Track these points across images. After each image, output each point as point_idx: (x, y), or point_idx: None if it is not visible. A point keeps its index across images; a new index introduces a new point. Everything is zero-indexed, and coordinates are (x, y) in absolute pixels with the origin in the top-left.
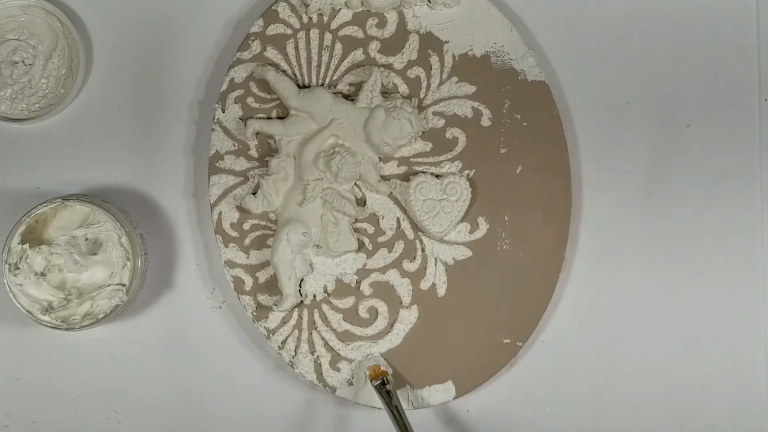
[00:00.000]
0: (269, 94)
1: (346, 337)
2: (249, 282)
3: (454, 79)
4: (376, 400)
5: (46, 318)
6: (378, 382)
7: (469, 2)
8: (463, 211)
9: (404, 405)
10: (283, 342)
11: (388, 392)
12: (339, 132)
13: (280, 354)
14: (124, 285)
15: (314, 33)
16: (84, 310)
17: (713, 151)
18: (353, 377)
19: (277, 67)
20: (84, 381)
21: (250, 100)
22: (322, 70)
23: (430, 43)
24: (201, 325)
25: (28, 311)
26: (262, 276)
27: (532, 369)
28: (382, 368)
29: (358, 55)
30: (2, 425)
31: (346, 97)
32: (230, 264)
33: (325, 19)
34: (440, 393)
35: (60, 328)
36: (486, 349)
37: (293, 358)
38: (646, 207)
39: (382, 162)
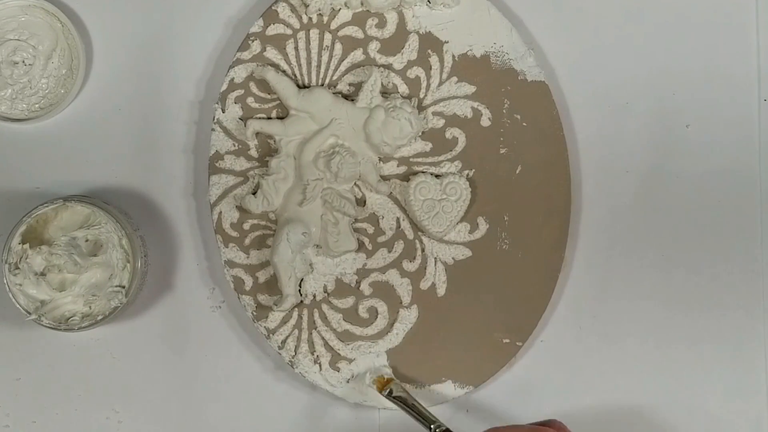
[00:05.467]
0: (269, 94)
1: (345, 336)
2: (249, 282)
3: (454, 79)
4: (376, 400)
5: (34, 317)
6: (387, 392)
7: (469, 2)
8: (462, 211)
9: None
10: (283, 342)
11: (399, 397)
12: (339, 132)
13: (279, 354)
14: (123, 287)
15: (314, 33)
16: (76, 308)
17: (713, 151)
18: (354, 382)
19: (277, 67)
20: (84, 381)
21: (250, 100)
22: (322, 70)
23: (430, 43)
24: (201, 325)
25: (27, 311)
26: (262, 276)
27: (532, 369)
28: (386, 377)
29: (357, 55)
30: (2, 425)
31: (346, 97)
32: (230, 264)
33: (325, 19)
34: (440, 393)
35: (59, 329)
36: (486, 349)
37: (293, 357)
38: (646, 207)
39: (381, 162)
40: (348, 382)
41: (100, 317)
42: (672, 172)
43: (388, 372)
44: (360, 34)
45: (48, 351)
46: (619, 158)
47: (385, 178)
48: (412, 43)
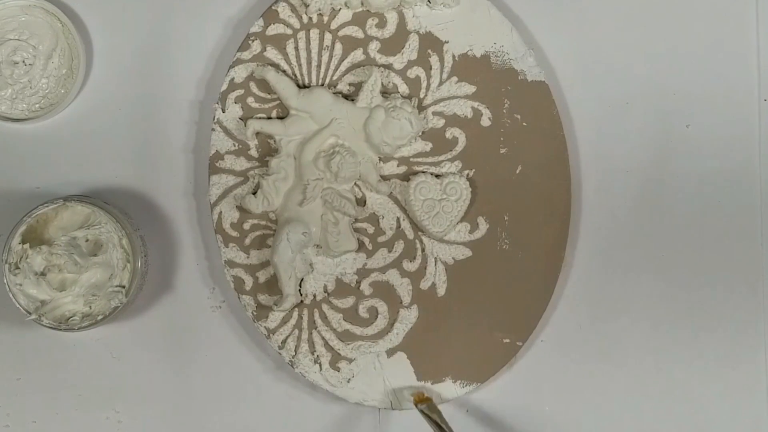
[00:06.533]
0: (269, 94)
1: (346, 336)
2: (249, 282)
3: (454, 79)
4: (375, 399)
5: (34, 316)
6: (423, 406)
7: (469, 2)
8: (462, 210)
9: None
10: (283, 342)
11: (432, 417)
12: (339, 132)
13: (280, 354)
14: (123, 287)
15: (314, 33)
16: (76, 308)
17: (713, 151)
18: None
19: (277, 67)
20: (84, 381)
21: (250, 100)
22: (322, 70)
23: (430, 43)
24: (201, 325)
25: (27, 311)
26: (262, 276)
27: (532, 369)
28: (426, 395)
29: (358, 55)
30: (2, 425)
31: (346, 97)
32: (230, 264)
33: (325, 19)
34: (440, 393)
35: (59, 329)
36: (486, 348)
37: (293, 357)
38: (646, 207)
39: (382, 162)
40: (348, 382)
41: (100, 317)
42: (672, 172)
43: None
44: (360, 34)
45: (48, 351)
46: (619, 158)
47: (385, 178)
48: (412, 43)
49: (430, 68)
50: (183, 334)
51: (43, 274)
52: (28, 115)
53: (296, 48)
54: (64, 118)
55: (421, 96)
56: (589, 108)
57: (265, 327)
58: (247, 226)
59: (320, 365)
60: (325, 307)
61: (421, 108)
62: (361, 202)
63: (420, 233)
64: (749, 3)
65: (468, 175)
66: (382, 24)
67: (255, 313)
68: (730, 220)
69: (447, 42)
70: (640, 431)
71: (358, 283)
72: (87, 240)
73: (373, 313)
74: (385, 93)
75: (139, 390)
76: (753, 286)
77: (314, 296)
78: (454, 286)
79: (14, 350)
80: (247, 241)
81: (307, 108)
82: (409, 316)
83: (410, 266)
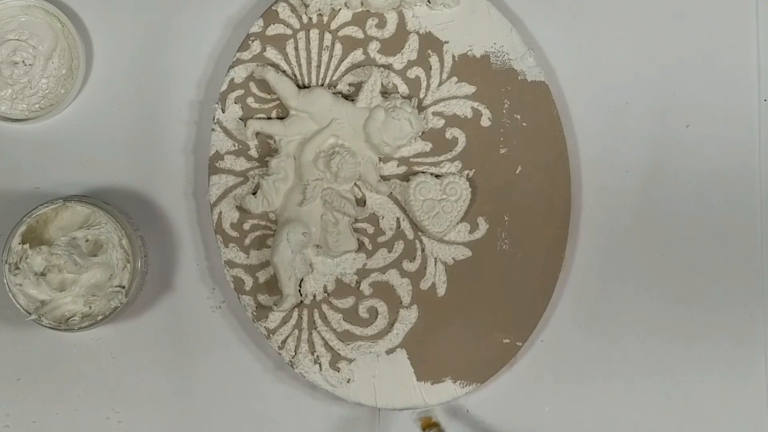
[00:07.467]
0: (269, 94)
1: (346, 336)
2: (249, 282)
3: (454, 79)
4: (376, 400)
5: (34, 317)
6: (432, 431)
7: (469, 2)
8: (462, 211)
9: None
10: (283, 342)
11: None
12: (339, 132)
13: (280, 354)
14: (123, 287)
15: (314, 33)
16: (76, 309)
17: (713, 151)
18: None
19: (277, 67)
20: (84, 381)
21: (250, 100)
22: (322, 70)
23: (430, 43)
24: (201, 325)
25: (27, 311)
26: (262, 276)
27: (532, 369)
28: (433, 420)
29: (357, 55)
30: (2, 425)
31: (346, 97)
32: (230, 264)
33: (325, 19)
34: (440, 393)
35: (59, 329)
36: (486, 349)
37: (293, 357)
38: (646, 207)
39: (382, 162)
40: (348, 382)
41: (100, 317)
42: (672, 172)
43: (436, 416)
44: (360, 34)
45: (48, 351)
46: (619, 158)
47: (385, 178)
48: (412, 43)
49: (430, 68)
50: (183, 335)
51: (43, 274)
52: (28, 115)
53: (296, 48)
54: (64, 118)
55: (421, 96)
56: (589, 108)
57: (265, 327)
58: (246, 226)
59: (320, 365)
60: (325, 307)
61: (421, 108)
62: (361, 202)
63: (420, 233)
64: (749, 3)
65: (468, 175)
66: (382, 24)
67: (255, 314)
68: (730, 220)
69: (447, 42)
70: (640, 431)
71: (358, 283)
72: (87, 240)
73: (373, 313)
74: (385, 93)
75: (139, 390)
76: (753, 286)
77: (314, 296)
78: (454, 286)
79: (14, 350)
80: (247, 241)
81: (307, 108)
82: (409, 317)
83: (410, 266)
